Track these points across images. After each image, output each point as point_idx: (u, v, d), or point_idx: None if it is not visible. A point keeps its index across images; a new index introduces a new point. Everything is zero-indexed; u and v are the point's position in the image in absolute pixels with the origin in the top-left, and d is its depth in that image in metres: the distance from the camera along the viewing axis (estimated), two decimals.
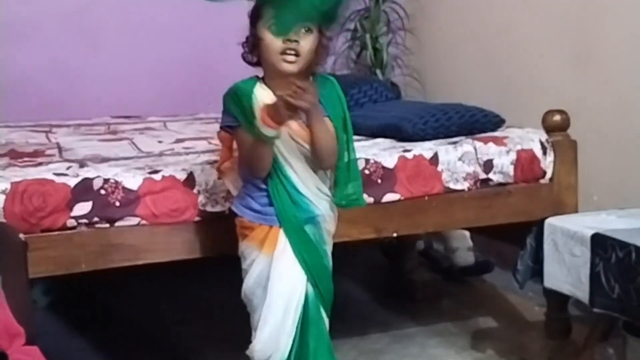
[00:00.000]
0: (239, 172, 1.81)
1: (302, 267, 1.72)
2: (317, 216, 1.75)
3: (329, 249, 1.80)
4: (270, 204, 1.72)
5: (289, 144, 1.71)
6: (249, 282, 1.76)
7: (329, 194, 1.79)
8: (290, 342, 1.71)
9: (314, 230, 1.75)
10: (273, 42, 1.65)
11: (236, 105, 1.69)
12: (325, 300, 1.77)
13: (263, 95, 1.69)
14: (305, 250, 1.73)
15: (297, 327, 1.72)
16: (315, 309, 1.75)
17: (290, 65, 1.67)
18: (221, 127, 1.77)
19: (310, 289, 1.74)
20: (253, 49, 1.73)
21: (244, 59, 1.76)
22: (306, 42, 1.67)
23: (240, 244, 1.79)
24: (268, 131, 1.61)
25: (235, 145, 1.81)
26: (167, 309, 2.98)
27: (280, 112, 1.59)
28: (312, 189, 1.74)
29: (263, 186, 1.73)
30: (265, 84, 1.74)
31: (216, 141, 2.51)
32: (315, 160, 1.73)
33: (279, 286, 1.71)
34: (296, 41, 1.65)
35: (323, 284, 1.76)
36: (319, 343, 1.75)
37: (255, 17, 1.70)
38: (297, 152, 1.72)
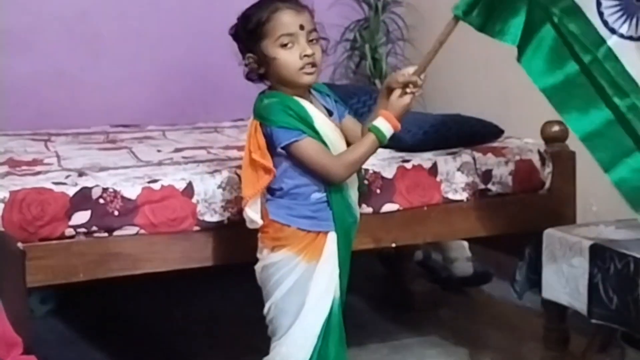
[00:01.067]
0: (284, 184, 1.72)
1: (339, 269, 1.74)
2: (357, 218, 1.81)
3: None
4: (322, 210, 1.73)
5: (343, 147, 1.75)
6: (283, 291, 1.72)
7: None
8: (313, 346, 1.72)
9: (353, 234, 1.81)
10: (290, 59, 1.66)
11: (294, 118, 1.67)
12: (343, 305, 1.79)
13: (306, 104, 1.71)
14: (346, 255, 1.77)
15: (321, 333, 1.73)
16: (338, 314, 1.76)
17: (310, 76, 1.69)
18: (283, 147, 1.68)
19: (338, 294, 1.75)
20: (258, 67, 1.72)
21: (249, 78, 1.75)
22: (318, 52, 1.70)
23: (271, 256, 1.73)
24: (391, 131, 1.69)
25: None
26: (167, 318, 2.97)
27: (404, 108, 1.69)
28: (355, 193, 1.79)
29: (316, 194, 1.73)
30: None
31: (215, 151, 2.53)
32: None
33: (320, 292, 1.71)
34: (313, 54, 1.67)
35: (345, 289, 1.79)
36: (339, 350, 1.76)
37: (256, 35, 1.69)
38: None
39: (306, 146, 1.68)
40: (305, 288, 1.71)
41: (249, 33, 1.70)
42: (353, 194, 1.79)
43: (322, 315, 1.72)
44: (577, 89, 1.81)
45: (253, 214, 1.74)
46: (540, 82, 1.91)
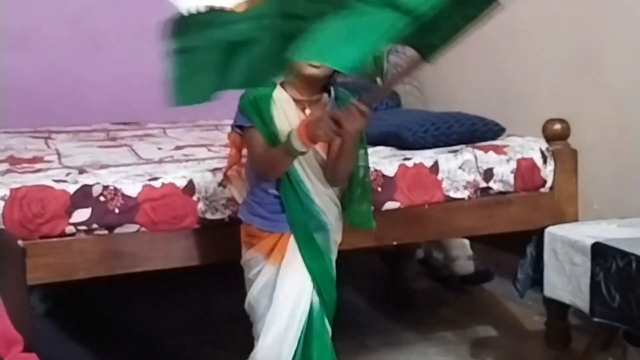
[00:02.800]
0: (246, 176, 1.79)
1: (309, 276, 1.71)
2: (327, 224, 1.75)
3: (334, 258, 1.79)
4: (280, 211, 1.71)
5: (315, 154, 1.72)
6: (254, 291, 1.74)
7: (339, 203, 1.79)
8: (293, 352, 1.70)
9: (322, 239, 1.75)
10: None
11: (252, 106, 1.68)
12: (329, 310, 1.76)
13: (281, 99, 1.69)
14: (313, 258, 1.72)
15: (300, 338, 1.71)
16: (319, 320, 1.74)
17: (314, 69, 1.67)
18: (233, 126, 1.75)
19: (316, 299, 1.73)
20: None
21: None
22: None
23: (245, 253, 1.77)
24: (300, 146, 1.58)
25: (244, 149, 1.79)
26: (166, 316, 2.97)
27: (323, 131, 1.54)
28: (323, 198, 1.74)
29: (273, 192, 1.72)
30: (283, 87, 1.73)
31: (216, 148, 2.52)
32: (328, 177, 1.73)
33: (285, 295, 1.70)
34: None
35: (328, 294, 1.75)
36: (322, 355, 1.74)
37: None
38: (313, 160, 1.71)
39: (250, 135, 1.70)
40: (272, 291, 1.70)
41: None
42: (319, 199, 1.72)
43: (293, 320, 1.70)
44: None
45: (234, 191, 1.83)
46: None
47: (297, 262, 1.71)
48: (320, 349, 1.73)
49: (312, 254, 1.72)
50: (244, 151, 1.80)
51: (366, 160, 1.82)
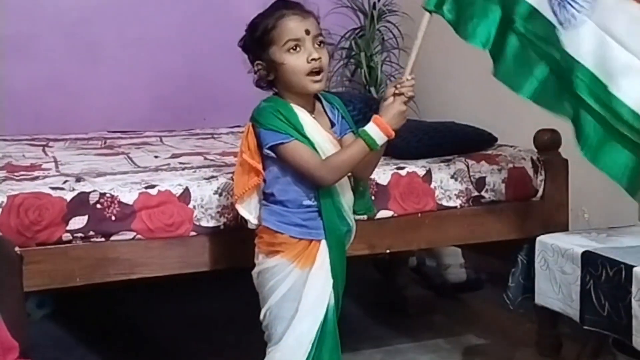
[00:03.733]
0: (275, 190, 1.74)
1: (331, 280, 1.74)
2: (352, 228, 1.80)
3: None
4: (313, 219, 1.73)
5: None
6: (277, 297, 1.73)
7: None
8: (307, 353, 1.72)
9: (347, 243, 1.81)
10: (297, 63, 1.67)
11: (285, 122, 1.68)
12: (338, 313, 1.80)
13: (301, 114, 1.71)
14: (340, 263, 1.77)
15: (315, 340, 1.73)
16: (333, 321, 1.77)
17: (318, 84, 1.70)
18: (270, 147, 1.69)
19: (332, 302, 1.76)
20: (268, 75, 1.73)
21: (258, 86, 1.76)
22: (324, 56, 1.70)
23: (266, 261, 1.74)
24: (383, 138, 1.68)
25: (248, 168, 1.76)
26: (163, 322, 2.98)
27: (399, 112, 1.67)
28: (349, 203, 1.79)
29: (306, 202, 1.73)
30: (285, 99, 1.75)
31: (212, 157, 2.54)
32: (364, 169, 1.79)
33: (312, 300, 1.72)
34: (320, 58, 1.68)
35: (340, 297, 1.80)
36: (333, 356, 1.77)
37: (264, 42, 1.70)
38: None
39: (293, 148, 1.69)
40: (299, 295, 1.72)
41: (256, 41, 1.72)
42: (346, 202, 1.78)
43: (315, 323, 1.73)
44: (553, 88, 1.91)
45: (245, 212, 1.78)
46: (522, 92, 1.95)
47: (326, 267, 1.74)
48: (331, 350, 1.76)
49: (340, 259, 1.77)
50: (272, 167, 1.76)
51: None
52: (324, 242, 1.74)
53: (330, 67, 1.78)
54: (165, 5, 3.82)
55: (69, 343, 2.78)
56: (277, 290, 1.73)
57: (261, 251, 1.76)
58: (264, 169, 1.74)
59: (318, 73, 1.69)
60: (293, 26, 1.68)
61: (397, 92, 1.70)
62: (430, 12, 1.92)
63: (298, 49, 1.68)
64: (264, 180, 1.75)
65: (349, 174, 1.78)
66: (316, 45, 1.69)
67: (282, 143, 1.68)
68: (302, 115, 1.72)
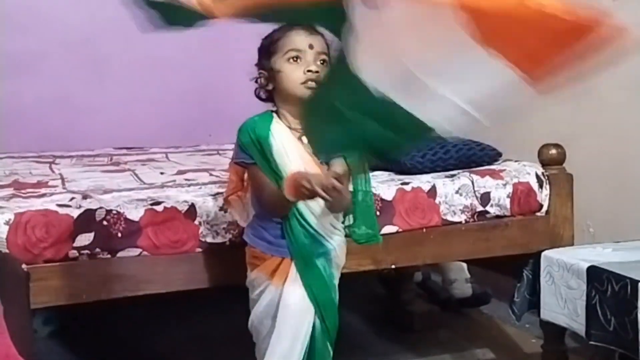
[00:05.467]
0: (252, 203, 1.80)
1: (310, 300, 1.73)
2: (330, 251, 1.77)
3: (336, 282, 1.81)
4: (281, 237, 1.74)
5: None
6: (257, 311, 1.76)
7: (341, 229, 1.80)
8: None
9: (325, 265, 1.76)
10: (294, 72, 1.69)
11: (254, 145, 1.71)
12: (331, 334, 1.78)
13: (280, 132, 1.72)
14: (315, 284, 1.74)
15: (302, 358, 1.72)
16: (322, 342, 1.76)
17: (309, 90, 1.69)
18: (235, 162, 1.78)
19: (318, 323, 1.75)
20: (267, 84, 1.75)
21: (257, 95, 1.78)
22: (324, 73, 1.70)
23: (249, 274, 1.80)
24: (291, 197, 1.64)
25: (246, 177, 1.82)
26: (167, 339, 2.98)
27: (302, 192, 1.59)
28: (326, 226, 1.76)
29: (276, 219, 1.74)
30: (279, 116, 1.76)
31: (217, 173, 2.55)
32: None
33: (288, 317, 1.72)
34: (317, 72, 1.69)
35: (330, 319, 1.77)
36: None
37: (269, 52, 1.73)
38: None
39: (251, 172, 1.75)
40: (276, 312, 1.73)
41: (263, 51, 1.76)
42: (320, 227, 1.74)
43: (296, 341, 1.72)
44: None
45: (235, 214, 1.86)
46: None
47: (299, 285, 1.73)
48: None
49: (314, 281, 1.74)
50: (245, 176, 1.83)
51: (366, 185, 1.83)
52: (294, 262, 1.74)
53: None
54: None
55: (74, 359, 2.78)
56: (257, 304, 1.77)
57: (247, 263, 1.81)
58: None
59: (314, 82, 1.69)
60: (297, 38, 1.70)
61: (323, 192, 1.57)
62: None
63: (298, 60, 1.70)
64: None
65: None
66: (318, 62, 1.70)
67: (244, 162, 1.74)
68: (280, 135, 1.71)
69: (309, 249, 1.74)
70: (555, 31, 1.16)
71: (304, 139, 1.73)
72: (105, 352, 2.84)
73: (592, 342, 2.09)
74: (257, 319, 1.77)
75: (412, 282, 3.22)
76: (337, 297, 1.81)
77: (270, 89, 1.76)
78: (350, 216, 1.82)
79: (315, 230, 1.74)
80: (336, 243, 1.78)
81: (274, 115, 1.77)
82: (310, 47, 1.70)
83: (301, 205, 1.72)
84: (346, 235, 1.83)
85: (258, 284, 1.77)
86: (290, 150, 1.71)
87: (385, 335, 2.94)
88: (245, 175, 1.82)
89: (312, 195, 1.58)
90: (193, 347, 2.89)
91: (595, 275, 2.08)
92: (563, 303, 2.19)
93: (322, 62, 1.71)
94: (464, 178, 2.39)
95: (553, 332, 2.38)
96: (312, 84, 1.69)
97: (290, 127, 1.74)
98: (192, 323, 3.09)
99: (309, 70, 1.68)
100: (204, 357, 2.78)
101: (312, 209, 1.74)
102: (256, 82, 1.77)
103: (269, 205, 1.73)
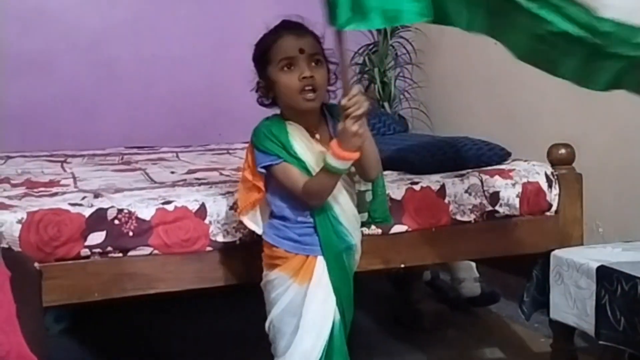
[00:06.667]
0: (272, 204, 1.79)
1: (334, 296, 1.75)
2: (353, 246, 1.80)
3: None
4: (309, 234, 1.75)
5: None
6: (278, 310, 1.76)
7: (360, 223, 1.84)
8: None
9: (348, 260, 1.79)
10: (290, 82, 1.70)
11: (275, 144, 1.72)
12: (347, 328, 1.80)
13: (294, 129, 1.74)
14: (341, 279, 1.76)
15: (322, 355, 1.74)
16: (340, 337, 1.77)
17: (310, 102, 1.71)
18: (262, 167, 1.75)
19: (338, 317, 1.76)
20: (267, 92, 1.77)
21: (260, 103, 1.80)
22: (320, 75, 1.71)
23: (268, 274, 1.79)
24: (341, 164, 1.64)
25: (253, 183, 1.80)
26: (177, 337, 2.99)
27: (352, 135, 1.60)
28: (351, 220, 1.78)
29: (301, 218, 1.75)
30: (288, 118, 1.77)
31: (227, 172, 2.57)
32: (363, 172, 1.77)
33: (313, 316, 1.73)
34: (312, 77, 1.69)
35: (348, 314, 1.79)
36: None
37: (263, 62, 1.74)
38: (339, 185, 1.74)
39: (282, 169, 1.73)
40: (299, 310, 1.73)
41: (258, 60, 1.77)
42: (346, 219, 1.77)
43: (320, 339, 1.73)
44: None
45: (250, 223, 1.84)
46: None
47: (325, 283, 1.75)
48: None
49: (340, 276, 1.77)
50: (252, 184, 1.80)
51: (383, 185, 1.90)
52: (320, 258, 1.75)
53: (334, 84, 1.79)
54: (180, 23, 3.87)
55: (85, 357, 2.80)
56: (278, 303, 1.76)
57: (264, 264, 1.81)
58: (265, 185, 1.77)
59: (312, 91, 1.70)
60: (287, 45, 1.71)
61: (345, 114, 1.61)
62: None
63: (291, 67, 1.70)
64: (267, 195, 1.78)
65: (357, 188, 1.80)
66: (313, 64, 1.71)
67: (272, 165, 1.72)
68: (296, 135, 1.73)
69: (337, 243, 1.76)
70: None
71: (317, 135, 1.76)
72: (115, 350, 2.86)
73: (601, 342, 2.08)
74: (277, 317, 1.76)
75: (421, 281, 3.23)
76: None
77: (270, 97, 1.77)
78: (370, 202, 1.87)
79: (341, 225, 1.76)
80: (357, 238, 1.81)
81: (283, 117, 1.78)
82: (301, 51, 1.70)
83: (332, 200, 1.74)
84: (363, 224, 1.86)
85: (278, 284, 1.76)
86: (309, 146, 1.73)
87: (394, 334, 2.95)
88: (269, 184, 1.79)
89: (353, 123, 1.59)
90: (204, 344, 2.90)
91: (605, 275, 2.07)
92: (572, 303, 2.19)
93: (316, 62, 1.72)
94: (473, 178, 2.39)
95: (562, 332, 2.37)
96: (310, 95, 1.69)
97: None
98: (203, 321, 3.10)
99: (303, 77, 1.69)
100: (214, 354, 2.80)
101: (341, 204, 1.76)
102: (256, 91, 1.79)
103: (312, 193, 1.71)
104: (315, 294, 1.73)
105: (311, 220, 1.75)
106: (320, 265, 1.75)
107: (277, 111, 1.81)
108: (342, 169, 1.67)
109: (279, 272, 1.77)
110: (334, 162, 1.65)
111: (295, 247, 1.76)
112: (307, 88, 1.69)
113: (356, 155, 1.64)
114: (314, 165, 1.73)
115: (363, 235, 2.05)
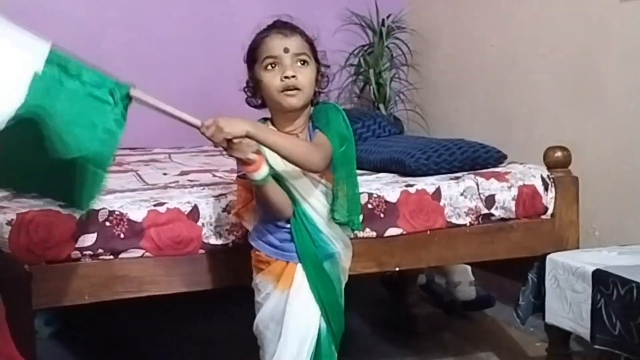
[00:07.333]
0: (259, 212, 1.78)
1: (317, 303, 1.72)
2: (335, 254, 1.75)
3: (343, 286, 1.80)
4: (290, 240, 1.72)
5: (305, 183, 1.72)
6: (263, 315, 1.75)
7: (345, 236, 1.79)
8: None
9: (331, 268, 1.75)
10: (272, 80, 1.68)
11: None
12: (336, 336, 1.77)
13: None
14: (322, 287, 1.73)
15: None
16: (327, 345, 1.74)
17: (292, 99, 1.69)
18: (238, 176, 1.77)
19: (324, 325, 1.74)
20: (255, 92, 1.76)
21: (249, 103, 1.78)
22: (304, 75, 1.69)
23: (255, 277, 1.79)
24: (251, 175, 1.63)
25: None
26: (168, 340, 2.98)
27: (233, 150, 1.60)
28: (332, 227, 1.75)
29: (281, 223, 1.73)
30: (273, 123, 1.76)
31: (220, 174, 2.55)
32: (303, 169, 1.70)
33: (295, 322, 1.70)
34: (294, 76, 1.67)
35: (336, 322, 1.75)
36: None
37: (250, 61, 1.74)
38: (316, 191, 1.72)
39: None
40: (282, 317, 1.72)
41: (246, 59, 1.76)
42: (327, 228, 1.74)
43: (303, 346, 1.70)
44: None
45: (247, 224, 1.83)
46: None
47: (306, 289, 1.72)
48: None
49: (321, 283, 1.73)
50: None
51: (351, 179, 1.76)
52: (299, 266, 1.72)
53: (331, 85, 1.78)
54: (175, 23, 3.85)
55: None
56: (263, 308, 1.75)
57: (253, 267, 1.80)
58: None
59: (293, 90, 1.68)
60: (272, 44, 1.70)
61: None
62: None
63: (275, 66, 1.69)
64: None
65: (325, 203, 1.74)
66: (298, 64, 1.69)
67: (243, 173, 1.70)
68: None
69: (316, 251, 1.72)
70: None
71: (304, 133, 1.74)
72: (105, 354, 2.84)
73: (596, 346, 2.08)
74: (263, 323, 1.76)
75: (415, 284, 3.22)
76: (343, 300, 1.80)
77: (259, 98, 1.76)
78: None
79: (320, 232, 1.73)
80: (340, 247, 1.77)
81: (266, 121, 1.77)
82: (286, 50, 1.69)
83: (307, 207, 1.72)
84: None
85: (263, 288, 1.76)
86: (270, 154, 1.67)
87: (389, 337, 2.94)
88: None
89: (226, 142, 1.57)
90: (194, 348, 2.88)
91: (601, 278, 2.06)
92: (568, 307, 2.18)
93: (302, 62, 1.70)
94: (468, 180, 2.38)
95: (558, 336, 2.37)
96: (291, 91, 1.68)
97: (284, 132, 1.73)
98: (194, 324, 3.09)
99: (285, 77, 1.67)
100: (205, 358, 2.78)
101: (317, 211, 1.73)
102: (245, 91, 1.78)
103: (261, 206, 1.72)
104: (296, 299, 1.71)
105: (289, 226, 1.73)
106: (300, 272, 1.72)
107: (267, 113, 1.79)
108: (258, 179, 1.63)
109: (262, 277, 1.76)
110: (248, 175, 1.64)
111: (276, 252, 1.74)
112: (289, 87, 1.67)
113: (252, 162, 1.61)
114: (282, 174, 1.70)
115: (357, 238, 2.04)
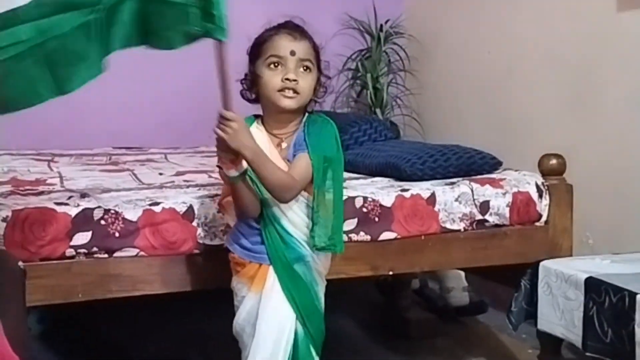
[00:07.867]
0: (235, 210, 1.80)
1: (291, 306, 1.71)
2: (306, 256, 1.74)
3: (320, 289, 1.78)
4: (261, 242, 1.72)
5: None
6: (240, 318, 1.76)
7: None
8: None
9: (304, 270, 1.74)
10: (272, 79, 1.69)
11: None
12: (315, 340, 1.75)
13: (257, 136, 1.69)
14: (295, 289, 1.72)
15: None
16: (305, 348, 1.74)
17: (289, 100, 1.69)
18: (217, 165, 1.75)
19: (300, 328, 1.73)
20: (252, 87, 1.76)
21: (242, 96, 1.78)
22: (305, 81, 1.70)
23: (232, 279, 1.80)
24: (228, 171, 1.63)
25: None
26: (162, 338, 2.97)
27: (221, 152, 1.61)
28: (302, 230, 1.73)
29: (255, 225, 1.73)
30: (263, 122, 1.77)
31: (216, 175, 2.55)
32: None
33: (267, 324, 1.70)
34: (295, 80, 1.68)
35: (313, 324, 1.74)
36: None
37: (254, 55, 1.74)
38: (295, 204, 1.71)
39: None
40: (255, 319, 1.72)
41: (250, 52, 1.76)
42: (298, 231, 1.72)
43: (280, 349, 1.70)
44: None
45: (229, 218, 1.85)
46: None
47: (278, 290, 1.71)
48: None
49: (293, 285, 1.72)
50: None
51: (336, 187, 1.74)
52: (271, 268, 1.72)
53: (318, 95, 1.77)
54: None
55: (68, 358, 2.77)
56: (239, 310, 1.76)
57: (231, 268, 1.80)
58: None
59: (291, 91, 1.68)
60: (279, 44, 1.70)
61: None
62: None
63: (279, 66, 1.69)
64: None
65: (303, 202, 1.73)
66: (301, 69, 1.69)
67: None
68: (257, 141, 1.66)
69: (285, 253, 1.72)
70: None
71: (284, 144, 1.74)
72: (96, 353, 2.83)
73: (588, 354, 2.08)
74: (239, 325, 1.76)
75: (409, 289, 3.22)
76: (322, 304, 1.79)
77: (254, 92, 1.76)
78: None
79: (290, 235, 1.72)
80: (311, 251, 1.74)
81: (257, 119, 1.77)
82: (292, 53, 1.69)
83: (277, 210, 1.71)
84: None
85: (239, 290, 1.77)
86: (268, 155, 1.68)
87: (381, 342, 2.94)
88: None
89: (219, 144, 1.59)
90: (187, 348, 2.88)
91: (593, 286, 2.07)
92: (560, 314, 2.19)
93: (305, 68, 1.70)
94: (463, 186, 2.38)
95: (550, 343, 2.37)
96: (289, 92, 1.68)
97: (271, 133, 1.74)
98: (186, 324, 3.08)
99: (286, 79, 1.68)
100: (195, 356, 2.77)
101: (287, 215, 1.72)
102: (241, 83, 1.77)
103: (234, 203, 1.72)
104: (268, 301, 1.71)
105: (259, 227, 1.73)
106: (272, 274, 1.72)
107: (259, 110, 1.79)
108: (231, 176, 1.63)
109: (238, 279, 1.77)
110: (224, 169, 1.65)
111: (247, 254, 1.75)
112: (287, 88, 1.68)
113: (226, 166, 1.62)
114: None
115: (351, 241, 2.04)
